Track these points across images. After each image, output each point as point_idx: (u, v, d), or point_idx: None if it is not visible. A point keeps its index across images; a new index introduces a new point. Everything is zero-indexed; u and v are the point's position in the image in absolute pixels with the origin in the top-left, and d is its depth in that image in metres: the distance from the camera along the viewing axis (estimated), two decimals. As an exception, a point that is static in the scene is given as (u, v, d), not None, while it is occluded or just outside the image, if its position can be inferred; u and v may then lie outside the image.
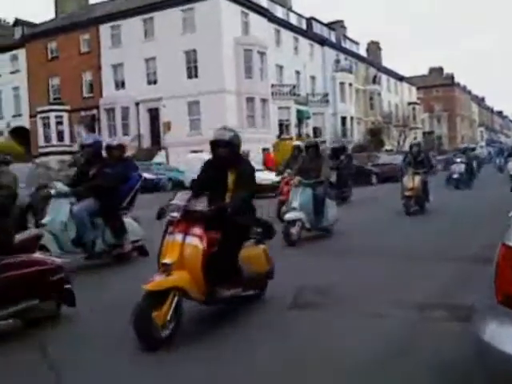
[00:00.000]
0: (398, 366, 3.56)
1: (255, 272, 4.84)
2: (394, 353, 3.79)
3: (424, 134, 64.34)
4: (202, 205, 4.28)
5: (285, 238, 8.19)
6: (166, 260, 4.09)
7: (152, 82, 35.32)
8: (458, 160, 19.40)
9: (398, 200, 12.17)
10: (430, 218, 11.65)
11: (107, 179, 6.98)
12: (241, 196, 4.55)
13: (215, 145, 4.72)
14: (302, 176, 8.88)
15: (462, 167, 18.98)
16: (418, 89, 69.04)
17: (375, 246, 8.10)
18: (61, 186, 6.94)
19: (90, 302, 5.08)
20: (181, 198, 4.41)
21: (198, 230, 4.20)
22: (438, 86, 79.72)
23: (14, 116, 41.20)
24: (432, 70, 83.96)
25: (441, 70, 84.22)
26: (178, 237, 4.18)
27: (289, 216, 8.44)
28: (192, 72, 33.79)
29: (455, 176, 18.83)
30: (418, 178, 11.80)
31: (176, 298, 4.02)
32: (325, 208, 8.91)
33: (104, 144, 7.67)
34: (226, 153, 4.67)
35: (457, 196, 16.58)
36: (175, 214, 4.26)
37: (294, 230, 8.32)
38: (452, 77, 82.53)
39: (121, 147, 8.07)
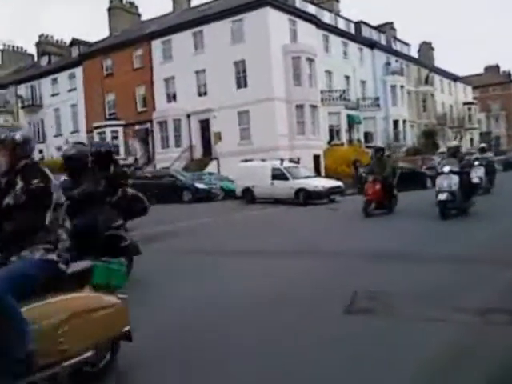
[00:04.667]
0: (461, 371, 3.49)
1: None
2: (456, 357, 3.71)
3: (481, 134, 62.25)
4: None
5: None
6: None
7: (202, 93, 35.87)
8: (477, 163, 16.27)
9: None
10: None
11: None
12: None
13: None
14: None
15: (481, 171, 16.17)
16: (474, 88, 66.90)
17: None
18: None
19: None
20: None
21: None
22: (494, 84, 77.04)
23: (71, 132, 42.75)
24: (488, 68, 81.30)
25: (497, 67, 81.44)
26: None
27: None
28: (241, 82, 34.09)
29: (475, 180, 14.00)
30: None
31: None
32: None
33: None
34: None
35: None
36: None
37: None
38: (509, 74, 79.59)
39: None
